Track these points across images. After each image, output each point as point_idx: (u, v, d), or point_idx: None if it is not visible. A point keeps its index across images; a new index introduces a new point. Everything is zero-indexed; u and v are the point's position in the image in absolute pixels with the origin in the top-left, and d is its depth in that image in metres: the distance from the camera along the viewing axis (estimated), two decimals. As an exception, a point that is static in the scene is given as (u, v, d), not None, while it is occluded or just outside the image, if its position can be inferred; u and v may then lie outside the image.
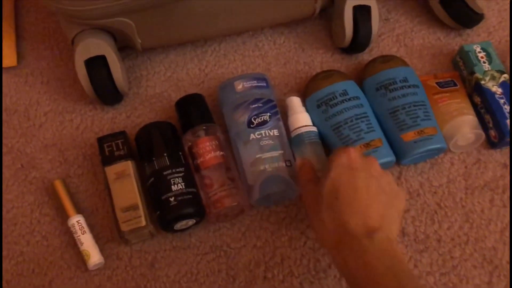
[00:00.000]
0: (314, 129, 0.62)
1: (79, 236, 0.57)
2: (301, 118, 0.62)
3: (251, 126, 0.60)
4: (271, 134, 0.59)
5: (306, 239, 0.59)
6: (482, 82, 0.65)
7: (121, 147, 0.59)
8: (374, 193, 0.47)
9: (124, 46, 0.67)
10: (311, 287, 0.57)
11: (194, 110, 0.62)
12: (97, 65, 0.61)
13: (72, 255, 0.58)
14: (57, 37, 0.71)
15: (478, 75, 0.65)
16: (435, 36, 0.73)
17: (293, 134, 0.62)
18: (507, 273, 0.58)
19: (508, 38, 0.73)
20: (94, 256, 0.56)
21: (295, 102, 0.63)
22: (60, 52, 0.70)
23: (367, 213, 0.46)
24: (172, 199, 0.54)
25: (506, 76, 0.65)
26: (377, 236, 0.45)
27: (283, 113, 0.64)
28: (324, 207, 0.48)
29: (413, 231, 0.60)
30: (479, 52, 0.67)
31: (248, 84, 0.62)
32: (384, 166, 0.61)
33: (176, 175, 0.56)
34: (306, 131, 0.61)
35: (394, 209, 0.49)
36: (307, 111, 0.64)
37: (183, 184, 0.56)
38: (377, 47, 0.72)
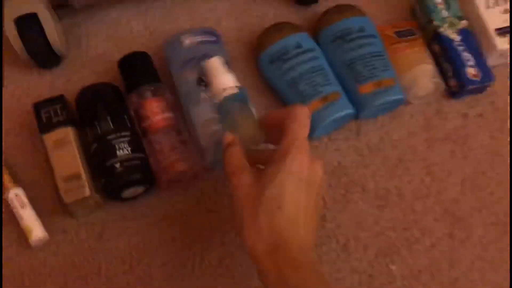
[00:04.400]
0: (237, 90, 0.50)
1: (18, 210, 0.53)
2: (220, 81, 0.50)
3: (202, 84, 0.56)
4: (223, 92, 0.56)
5: (263, 200, 0.57)
6: (441, 29, 0.62)
7: (59, 113, 0.54)
8: (313, 209, 0.45)
9: (60, 4, 0.62)
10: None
11: (138, 69, 0.57)
12: (28, 24, 0.56)
13: (12, 231, 0.54)
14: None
15: (436, 22, 0.63)
16: (392, -17, 0.70)
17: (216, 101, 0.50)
18: (469, 225, 0.57)
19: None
20: (36, 231, 0.52)
21: (213, 64, 0.51)
22: None
23: (307, 232, 0.44)
24: (117, 165, 0.51)
25: (465, 22, 0.63)
26: (311, 252, 0.45)
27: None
28: (262, 214, 0.43)
29: (373, 187, 0.58)
30: (437, -2, 0.64)
31: (196, 39, 0.58)
32: (344, 119, 0.59)
33: (121, 139, 0.52)
34: (229, 95, 0.49)
35: (318, 221, 0.47)
36: (261, 68, 0.60)
37: (129, 149, 0.52)
38: (333, -3, 0.68)
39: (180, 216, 0.56)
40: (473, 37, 0.62)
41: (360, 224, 0.57)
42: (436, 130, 0.62)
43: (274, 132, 0.47)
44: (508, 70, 0.65)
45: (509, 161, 0.60)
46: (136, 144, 0.53)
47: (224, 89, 0.49)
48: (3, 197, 0.54)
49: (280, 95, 0.59)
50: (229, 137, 0.48)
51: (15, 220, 0.53)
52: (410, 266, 0.55)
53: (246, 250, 0.44)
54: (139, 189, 0.53)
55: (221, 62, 0.51)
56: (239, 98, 0.50)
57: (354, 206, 0.57)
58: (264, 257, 0.43)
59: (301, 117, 0.46)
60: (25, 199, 0.53)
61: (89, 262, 0.53)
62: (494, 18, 0.62)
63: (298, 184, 0.44)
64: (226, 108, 0.50)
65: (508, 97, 0.64)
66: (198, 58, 0.57)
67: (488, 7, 0.63)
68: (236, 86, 0.50)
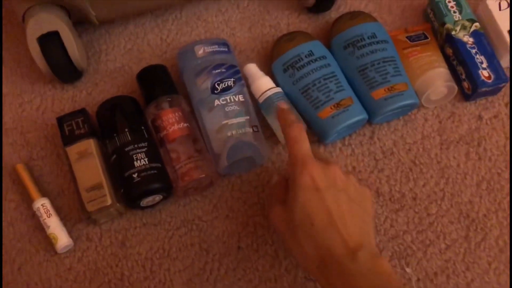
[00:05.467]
0: (279, 89, 0.60)
1: (44, 219, 0.55)
2: (264, 82, 0.60)
3: (215, 92, 0.57)
4: (236, 99, 0.57)
5: (279, 206, 0.58)
6: (453, 32, 0.62)
7: (81, 126, 0.56)
8: (346, 209, 0.46)
9: (80, 21, 0.64)
10: (286, 254, 0.56)
11: (155, 82, 0.59)
12: (50, 42, 0.59)
13: (40, 239, 0.56)
14: (9, 15, 0.68)
15: (448, 25, 0.63)
16: (404, -12, 0.70)
17: (260, 100, 0.60)
18: (484, 226, 0.57)
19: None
20: (61, 239, 0.55)
21: (253, 68, 0.61)
22: (14, 30, 0.67)
23: (345, 233, 0.44)
24: (135, 175, 0.53)
25: (477, 24, 0.63)
26: (360, 255, 0.43)
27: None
28: (300, 234, 0.46)
29: (388, 190, 0.59)
30: (449, 1, 0.64)
31: (209, 49, 0.60)
32: (357, 124, 0.60)
33: (138, 150, 0.54)
34: (273, 93, 0.59)
35: (366, 214, 0.48)
36: (274, 76, 0.62)
37: (146, 159, 0.54)
38: (345, 4, 0.69)
39: (197, 222, 0.57)
40: (486, 39, 0.62)
41: (376, 228, 0.57)
42: (450, 132, 0.62)
43: None
44: (523, 70, 0.65)
45: (525, 162, 0.60)
46: (153, 154, 0.55)
47: (268, 89, 0.59)
48: (32, 207, 0.57)
49: (294, 103, 0.61)
50: (280, 177, 0.53)
51: (42, 229, 0.56)
52: (426, 269, 0.56)
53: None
54: (157, 197, 0.55)
55: (256, 67, 0.61)
56: (281, 97, 0.59)
57: (368, 210, 0.58)
58: (317, 274, 0.45)
59: (293, 134, 0.49)
60: (51, 209, 0.56)
61: (112, 268, 0.56)
62: (507, 20, 0.62)
63: (317, 194, 0.46)
64: (271, 104, 0.58)
65: (524, 98, 0.63)
66: (212, 67, 0.59)
67: (500, 9, 0.63)
68: (275, 87, 0.59)
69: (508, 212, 0.58)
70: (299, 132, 0.49)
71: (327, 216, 0.45)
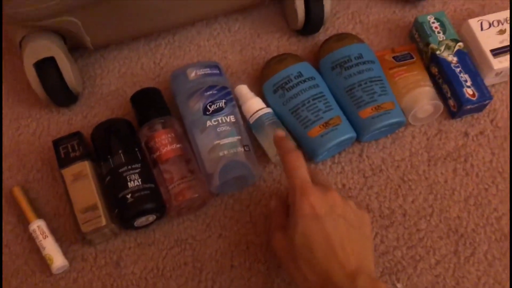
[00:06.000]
0: (270, 110, 0.62)
1: (40, 241, 0.56)
2: (255, 103, 0.62)
3: (207, 113, 0.59)
4: (228, 120, 0.59)
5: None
6: (438, 52, 0.64)
7: (76, 148, 0.58)
8: (345, 234, 0.47)
9: (76, 46, 0.66)
10: (278, 272, 0.57)
11: (149, 104, 0.61)
12: (46, 67, 0.60)
13: (36, 260, 0.57)
14: (6, 42, 0.70)
15: (433, 45, 0.65)
16: (390, 10, 0.72)
17: (251, 120, 0.61)
18: (473, 241, 0.58)
19: (463, 7, 0.73)
20: (57, 260, 0.56)
21: (244, 89, 0.63)
22: (11, 56, 0.69)
23: (344, 259, 0.46)
24: (129, 196, 0.54)
25: (461, 44, 0.65)
26: (359, 280, 0.45)
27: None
28: (301, 261, 0.47)
29: (378, 207, 0.60)
30: (433, 22, 0.66)
31: (201, 71, 0.62)
32: (345, 143, 0.61)
33: (132, 171, 0.55)
34: (263, 114, 0.61)
35: (365, 239, 0.50)
36: (265, 97, 0.63)
37: (139, 180, 0.55)
38: (333, 27, 0.71)
39: (191, 241, 0.58)
40: (469, 59, 0.64)
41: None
42: (437, 149, 0.63)
43: None
44: (508, 87, 0.66)
45: (509, 177, 0.61)
46: (147, 175, 0.56)
47: (259, 110, 0.61)
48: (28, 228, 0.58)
49: (284, 122, 0.62)
50: (276, 201, 0.55)
51: (38, 250, 0.57)
52: (416, 284, 0.56)
53: None
54: (151, 218, 0.56)
55: (247, 89, 0.63)
56: (271, 117, 0.61)
57: (359, 226, 0.59)
58: None
59: (291, 161, 0.51)
60: (46, 230, 0.57)
61: (107, 288, 0.56)
62: (489, 40, 0.64)
63: (316, 221, 0.47)
64: (262, 124, 0.60)
65: (508, 113, 0.65)
66: (204, 89, 0.60)
67: (482, 29, 0.65)
68: (266, 107, 0.61)
69: (496, 227, 0.59)
70: (297, 159, 0.51)
71: (326, 243, 0.46)
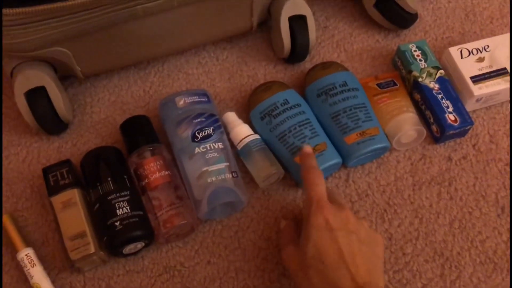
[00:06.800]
0: (257, 136, 0.63)
1: (28, 269, 0.56)
2: (242, 130, 0.63)
3: (195, 140, 0.60)
4: (216, 147, 0.60)
5: (258, 250, 0.59)
6: (420, 79, 0.66)
7: (66, 176, 0.58)
8: (356, 249, 0.49)
9: (66, 75, 0.67)
10: (266, 298, 0.57)
11: (138, 132, 0.62)
12: (37, 96, 0.61)
13: (23, 289, 0.57)
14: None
15: (415, 73, 0.67)
16: (374, 38, 0.75)
17: (239, 147, 0.62)
18: (458, 264, 0.59)
19: (444, 36, 0.75)
20: (45, 288, 0.56)
21: (232, 116, 0.64)
22: (2, 85, 0.70)
23: (354, 271, 0.47)
24: (117, 223, 0.54)
25: (442, 71, 0.67)
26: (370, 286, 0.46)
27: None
28: (311, 272, 0.48)
29: (364, 232, 0.61)
30: (415, 50, 0.68)
31: (189, 99, 0.63)
32: (331, 168, 0.62)
33: (121, 199, 0.56)
34: (251, 140, 0.62)
35: (376, 257, 0.51)
36: (252, 124, 0.65)
37: (128, 207, 0.56)
38: (318, 55, 0.73)
39: (179, 268, 0.59)
40: (450, 85, 0.66)
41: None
42: (422, 174, 0.65)
43: None
44: (488, 113, 0.68)
45: (494, 197, 0.63)
46: (135, 202, 0.57)
47: (246, 136, 0.62)
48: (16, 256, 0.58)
49: (272, 149, 0.63)
50: (286, 221, 0.58)
51: (26, 279, 0.57)
52: (403, 308, 0.57)
53: None
54: (140, 245, 0.57)
55: (235, 115, 0.65)
56: (259, 143, 0.62)
57: (346, 251, 0.60)
58: None
59: (312, 178, 0.53)
60: (35, 258, 0.57)
61: (95, 316, 0.56)
62: (469, 67, 0.66)
63: (330, 234, 0.49)
64: (250, 150, 0.61)
65: (489, 138, 0.67)
66: (192, 117, 0.61)
67: (462, 57, 0.67)
68: (253, 134, 0.63)
69: (480, 249, 0.60)
70: (318, 177, 0.53)
71: (338, 255, 0.48)
